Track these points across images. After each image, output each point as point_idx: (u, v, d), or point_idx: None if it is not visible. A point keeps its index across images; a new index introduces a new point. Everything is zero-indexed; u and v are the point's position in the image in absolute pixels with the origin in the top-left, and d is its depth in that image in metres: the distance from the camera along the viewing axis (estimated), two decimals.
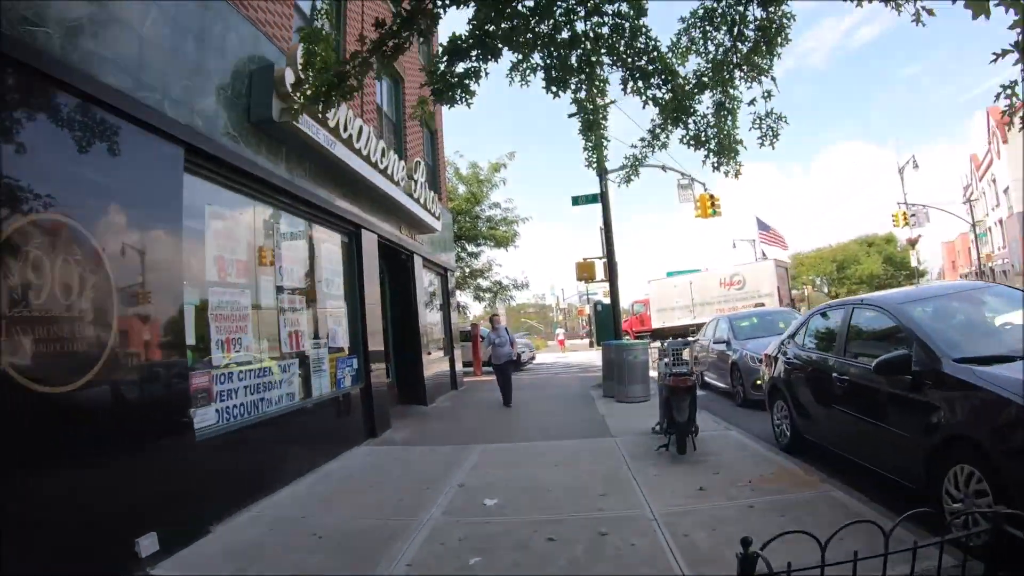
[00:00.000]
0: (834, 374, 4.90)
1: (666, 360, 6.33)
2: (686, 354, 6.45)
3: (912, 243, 39.54)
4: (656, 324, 28.69)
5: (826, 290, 54.05)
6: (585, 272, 12.94)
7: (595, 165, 5.53)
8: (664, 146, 5.18)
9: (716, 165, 4.80)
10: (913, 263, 39.14)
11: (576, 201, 13.48)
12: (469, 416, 10.08)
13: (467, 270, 19.45)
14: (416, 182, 10.86)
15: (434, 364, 12.85)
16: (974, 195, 46.39)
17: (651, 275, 29.86)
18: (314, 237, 7.48)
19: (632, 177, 5.76)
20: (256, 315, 5.79)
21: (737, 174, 4.84)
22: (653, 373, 10.29)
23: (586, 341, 33.75)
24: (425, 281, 12.90)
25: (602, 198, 13.17)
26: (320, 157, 6.82)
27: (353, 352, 8.29)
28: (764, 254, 50.65)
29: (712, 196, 20.07)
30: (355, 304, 8.52)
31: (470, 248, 19.87)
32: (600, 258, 13.47)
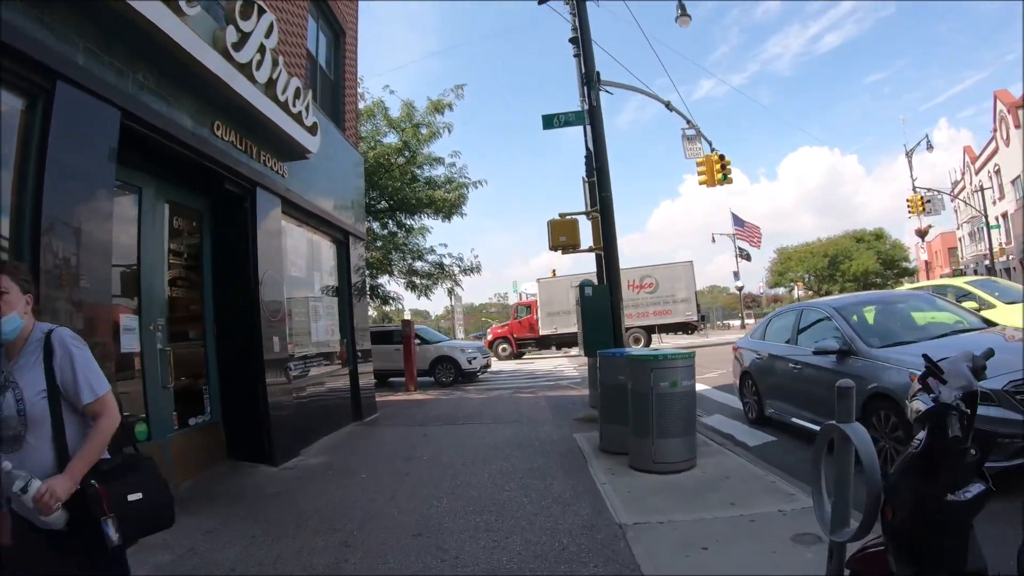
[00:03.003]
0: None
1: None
2: None
3: (922, 234, 36.27)
4: (545, 330, 25.11)
5: (807, 289, 50.84)
6: (563, 234, 8.01)
7: None
8: None
9: None
10: (924, 257, 35.66)
11: (551, 122, 8.54)
12: (341, 501, 4.96)
13: (399, 252, 14.26)
14: (278, 68, 5.86)
15: (316, 382, 7.71)
16: (967, 189, 43.67)
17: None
18: None
19: None
20: None
21: None
22: (715, 420, 5.51)
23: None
24: (299, 245, 7.73)
25: (591, 115, 8.30)
26: None
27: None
28: (742, 251, 47.42)
29: (722, 157, 15.81)
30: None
31: (407, 223, 14.70)
32: (586, 213, 8.53)
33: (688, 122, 14.90)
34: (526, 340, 26.57)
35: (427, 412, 9.67)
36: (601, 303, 7.45)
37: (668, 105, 13.79)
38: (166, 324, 5.47)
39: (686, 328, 25.50)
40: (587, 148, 10.93)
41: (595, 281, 9.63)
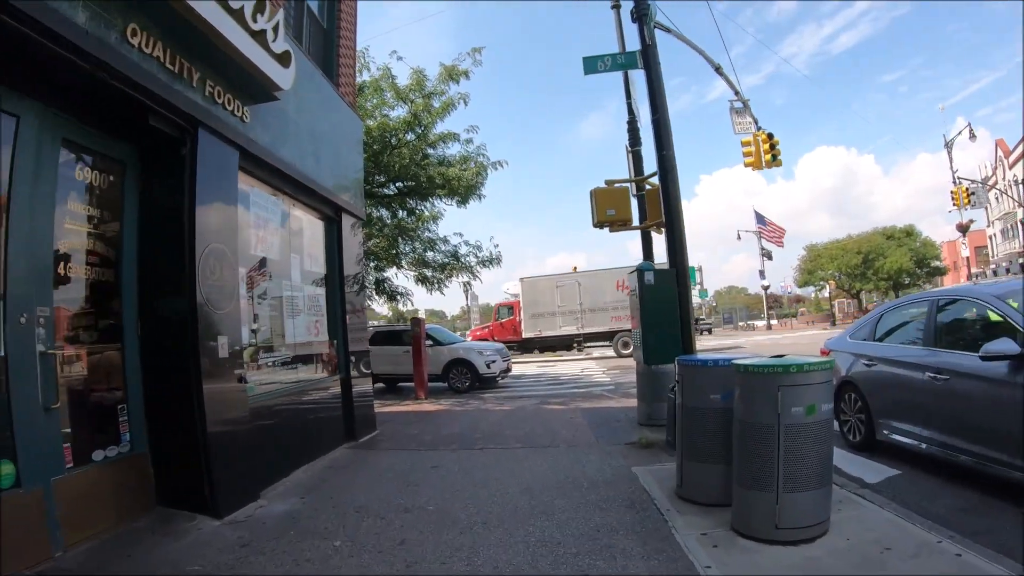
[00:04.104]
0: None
1: None
2: None
3: (963, 228, 33.87)
4: (528, 332, 23.52)
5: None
6: (611, 206, 6.13)
7: None
8: None
9: None
10: (965, 253, 33.36)
11: (594, 66, 6.67)
12: None
13: (407, 239, 12.42)
14: None
15: (292, 395, 5.96)
16: (999, 184, 41.08)
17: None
18: None
19: None
20: None
21: None
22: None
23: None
24: (270, 218, 5.97)
25: (644, 56, 6.42)
26: None
27: None
28: (764, 250, 45.13)
29: (771, 136, 13.92)
30: None
31: (418, 209, 12.90)
32: (640, 180, 6.66)
33: (736, 93, 13.02)
34: (508, 344, 24.93)
35: (438, 429, 7.87)
36: (666, 294, 5.58)
37: (719, 69, 11.87)
38: (52, 316, 3.73)
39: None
40: (629, 111, 9.10)
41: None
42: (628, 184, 6.58)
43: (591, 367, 18.82)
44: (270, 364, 5.57)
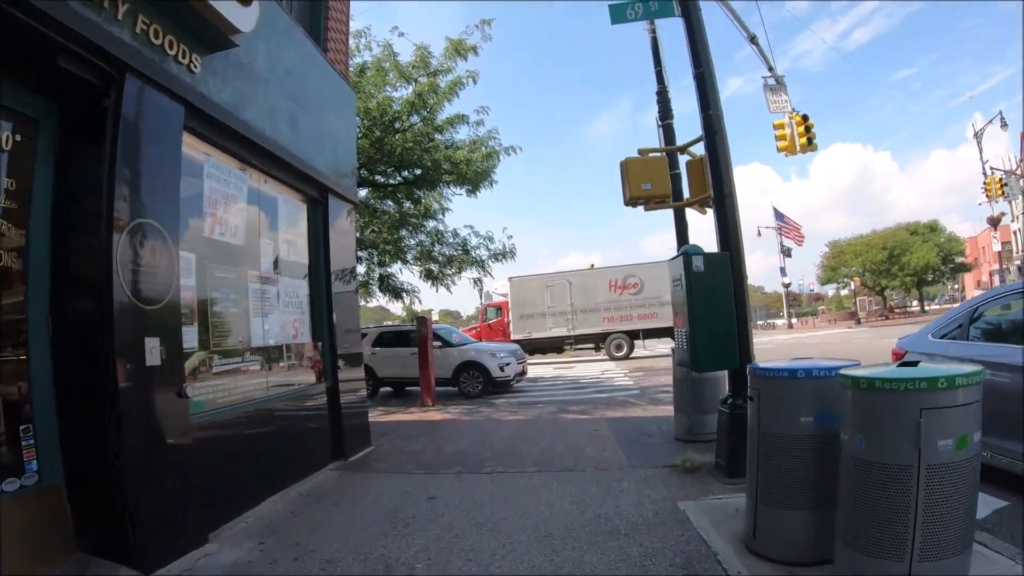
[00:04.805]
0: None
1: None
2: None
3: (994, 222, 32.28)
4: (517, 334, 22.39)
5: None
6: (646, 179, 5.02)
7: None
8: None
9: None
10: (997, 248, 31.82)
11: (622, 14, 5.58)
12: None
13: (410, 229, 11.34)
14: None
15: (259, 411, 4.96)
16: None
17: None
18: None
19: None
20: None
21: None
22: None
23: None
24: (232, 195, 4.96)
25: (682, 2, 5.33)
26: None
27: None
28: (783, 246, 43.54)
29: (805, 118, 12.93)
30: None
31: (424, 198, 11.85)
32: (681, 148, 5.56)
33: (770, 69, 11.86)
34: None
35: (441, 445, 6.84)
36: (719, 284, 4.47)
37: (753, 39, 10.75)
38: None
39: (674, 333, 22.41)
40: (659, 80, 8.04)
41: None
42: (666, 155, 5.48)
43: (611, 368, 17.70)
44: (229, 372, 4.56)
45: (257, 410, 4.83)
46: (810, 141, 12.73)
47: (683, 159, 6.10)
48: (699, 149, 5.75)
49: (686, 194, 5.86)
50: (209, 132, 4.46)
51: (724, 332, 4.40)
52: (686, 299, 4.44)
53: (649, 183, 5.16)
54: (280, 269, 5.49)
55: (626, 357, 21.72)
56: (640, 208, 5.37)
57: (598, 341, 22.78)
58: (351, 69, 11.26)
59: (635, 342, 22.31)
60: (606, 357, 22.71)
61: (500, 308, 25.58)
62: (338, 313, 6.30)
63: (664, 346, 23.73)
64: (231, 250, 4.84)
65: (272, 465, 4.90)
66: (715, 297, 4.42)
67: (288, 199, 5.82)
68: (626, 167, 5.22)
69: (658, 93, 7.86)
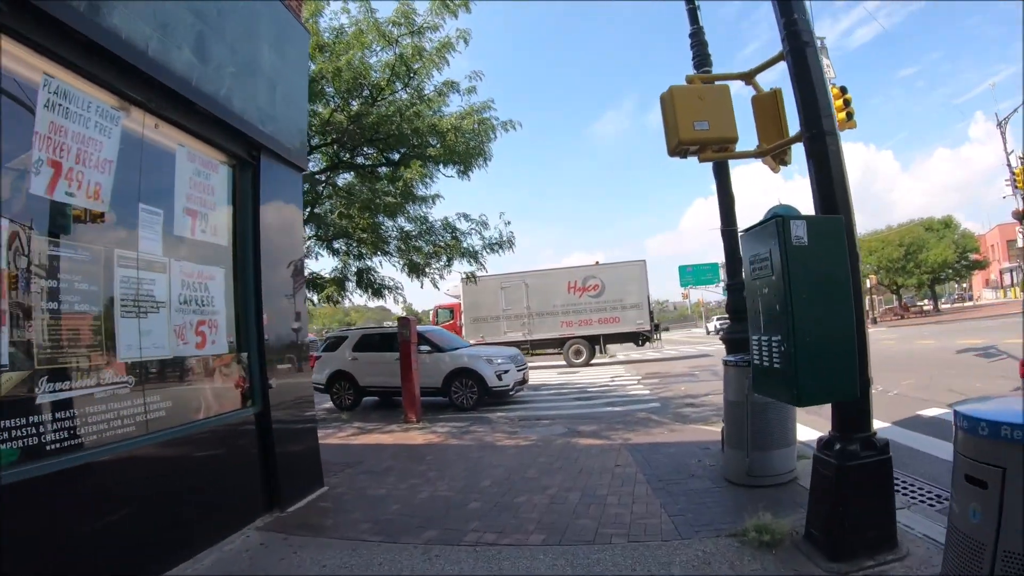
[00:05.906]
0: None
1: None
2: None
3: (1020, 216, 30.63)
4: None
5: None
6: (702, 115, 3.44)
7: None
8: None
9: None
10: (1021, 244, 30.18)
11: None
12: None
13: (387, 213, 9.63)
14: None
15: (135, 455, 3.32)
16: None
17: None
18: None
19: None
20: None
21: None
22: None
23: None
24: (93, 138, 3.31)
25: None
26: None
27: None
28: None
29: (843, 91, 11.47)
30: None
31: (407, 174, 10.08)
32: (749, 74, 3.94)
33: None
34: None
35: (417, 486, 5.21)
36: (832, 262, 2.83)
37: None
38: None
39: (636, 339, 21.18)
40: (692, 19, 6.43)
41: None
42: (728, 83, 3.84)
43: (622, 374, 16.07)
44: (71, 402, 2.95)
45: (125, 457, 3.21)
46: (849, 116, 11.16)
47: (739, 97, 4.46)
48: (767, 81, 4.13)
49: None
50: (46, 39, 2.86)
51: (840, 340, 2.76)
52: (780, 288, 2.80)
53: (706, 122, 3.53)
54: (175, 251, 3.86)
55: (586, 364, 20.31)
56: (692, 159, 3.74)
57: (556, 346, 21.39)
58: (325, 32, 9.68)
59: (595, 348, 20.94)
60: (611, 360, 21.13)
61: (452, 310, 24.02)
62: (273, 314, 4.68)
63: (629, 353, 22.12)
64: (87, 218, 3.22)
65: (146, 538, 3.28)
66: (827, 284, 2.78)
67: (195, 154, 4.19)
68: (671, 100, 3.59)
69: (692, 35, 6.24)
